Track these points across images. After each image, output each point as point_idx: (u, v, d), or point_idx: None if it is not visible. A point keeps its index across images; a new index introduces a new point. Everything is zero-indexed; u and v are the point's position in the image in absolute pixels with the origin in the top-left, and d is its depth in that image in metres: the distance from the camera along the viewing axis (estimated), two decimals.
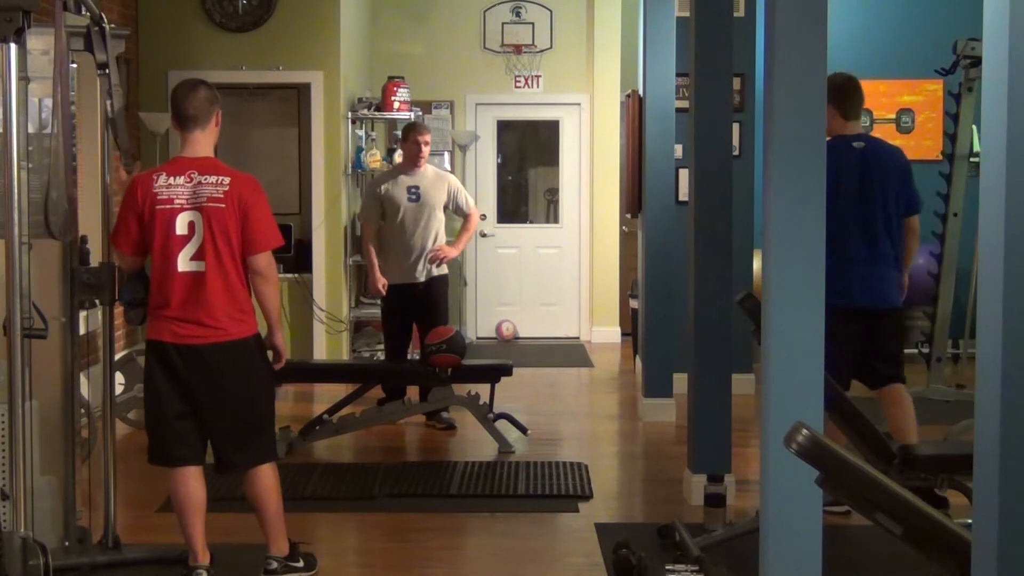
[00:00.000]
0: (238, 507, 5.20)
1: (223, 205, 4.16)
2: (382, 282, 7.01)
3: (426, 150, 7.03)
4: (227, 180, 4.20)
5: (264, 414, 4.40)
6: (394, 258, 7.02)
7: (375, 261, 7.05)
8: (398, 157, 9.36)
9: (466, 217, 7.17)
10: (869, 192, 5.13)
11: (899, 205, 5.20)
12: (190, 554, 4.33)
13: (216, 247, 4.15)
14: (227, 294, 4.19)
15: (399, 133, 9.54)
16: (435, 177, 7.10)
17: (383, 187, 7.05)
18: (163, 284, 4.19)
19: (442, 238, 7.07)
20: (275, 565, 4.40)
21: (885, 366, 5.21)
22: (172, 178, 4.19)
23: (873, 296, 5.16)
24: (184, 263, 4.15)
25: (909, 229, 5.28)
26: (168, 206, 4.16)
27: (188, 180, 4.18)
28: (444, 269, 7.14)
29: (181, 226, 4.15)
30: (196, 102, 4.24)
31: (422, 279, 6.99)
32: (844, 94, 5.17)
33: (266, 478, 4.36)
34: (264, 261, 4.24)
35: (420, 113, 9.71)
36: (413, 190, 6.99)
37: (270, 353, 4.40)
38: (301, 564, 4.49)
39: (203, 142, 4.28)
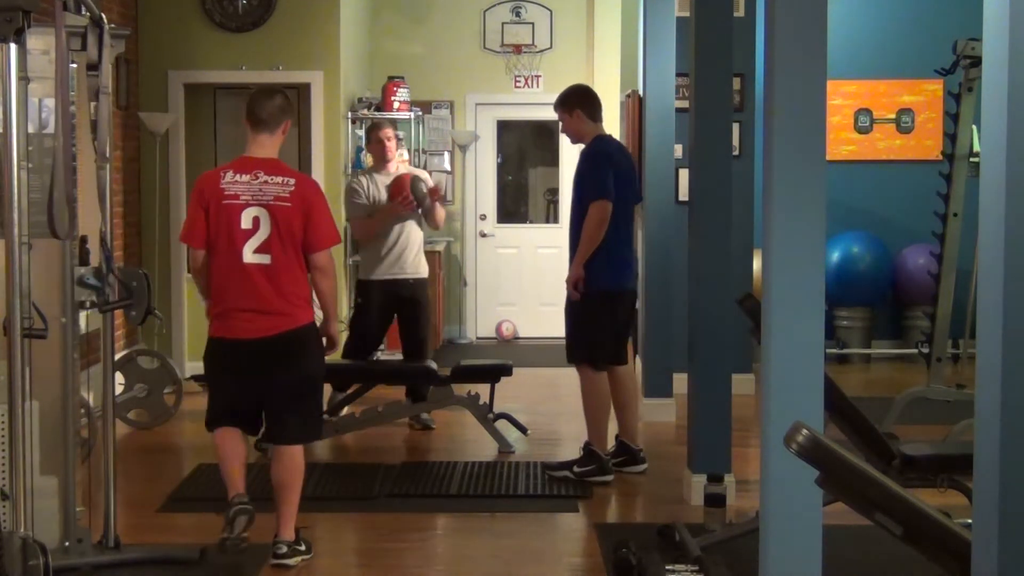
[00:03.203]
0: None
1: (289, 204, 4.48)
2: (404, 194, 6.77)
3: (391, 144, 6.91)
4: (292, 181, 4.53)
5: (319, 393, 4.79)
6: (383, 255, 6.87)
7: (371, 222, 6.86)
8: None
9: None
10: (628, 184, 5.82)
11: (631, 193, 5.92)
12: (230, 488, 4.57)
13: (282, 242, 4.47)
14: (291, 285, 4.50)
15: (399, 133, 9.53)
16: (407, 177, 6.85)
17: (363, 182, 6.87)
18: (227, 276, 4.49)
19: (419, 234, 7.01)
20: (284, 549, 4.58)
21: (627, 343, 6.03)
22: (238, 175, 4.52)
23: (635, 278, 6.05)
24: (249, 255, 4.47)
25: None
26: (234, 201, 4.48)
27: (254, 178, 4.51)
28: (425, 271, 7.05)
29: (246, 221, 4.47)
30: (271, 108, 4.59)
31: (411, 274, 6.90)
32: (591, 100, 5.91)
33: (298, 458, 4.62)
34: (325, 258, 4.59)
35: (419, 113, 9.71)
36: (390, 187, 6.82)
37: (324, 340, 4.74)
38: (303, 548, 4.67)
39: (269, 145, 4.60)
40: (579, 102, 5.87)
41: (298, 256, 4.52)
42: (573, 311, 5.86)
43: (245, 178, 4.50)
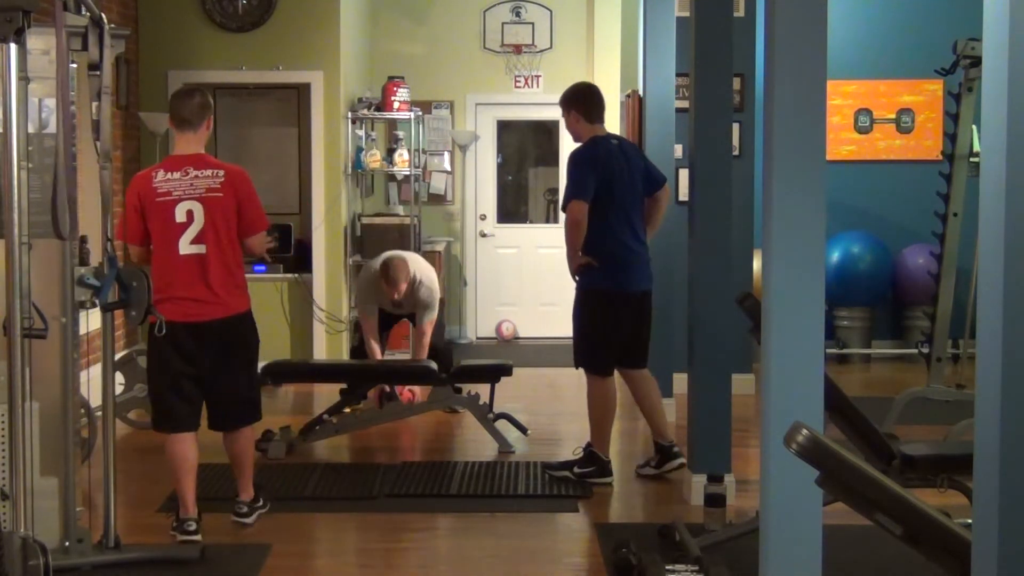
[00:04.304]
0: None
1: (221, 194, 4.77)
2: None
3: (395, 295, 6.90)
4: (221, 173, 4.81)
5: (256, 378, 5.10)
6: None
7: (377, 350, 7.12)
8: (399, 159, 9.38)
9: (420, 328, 7.10)
10: (632, 183, 5.72)
11: (646, 187, 5.81)
12: (181, 507, 4.84)
13: (216, 231, 4.74)
14: (226, 272, 4.78)
15: (399, 133, 9.56)
16: (414, 292, 6.98)
17: (370, 295, 7.06)
18: (166, 268, 4.74)
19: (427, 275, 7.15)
20: (245, 509, 5.04)
21: (645, 346, 5.87)
22: (169, 173, 4.78)
23: (647, 279, 5.81)
24: (185, 247, 4.73)
25: (662, 197, 5.92)
26: (167, 198, 4.73)
27: (184, 174, 4.77)
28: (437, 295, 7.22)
29: (180, 214, 4.73)
30: (191, 107, 4.86)
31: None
32: (587, 101, 5.82)
33: (247, 435, 5.03)
34: (258, 242, 4.92)
35: (419, 113, 9.67)
36: (396, 304, 7.05)
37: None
38: (261, 503, 5.13)
39: (195, 141, 4.88)
40: (575, 103, 5.82)
41: (232, 244, 4.81)
42: (576, 314, 5.86)
43: (176, 175, 4.78)
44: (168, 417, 4.83)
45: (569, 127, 5.89)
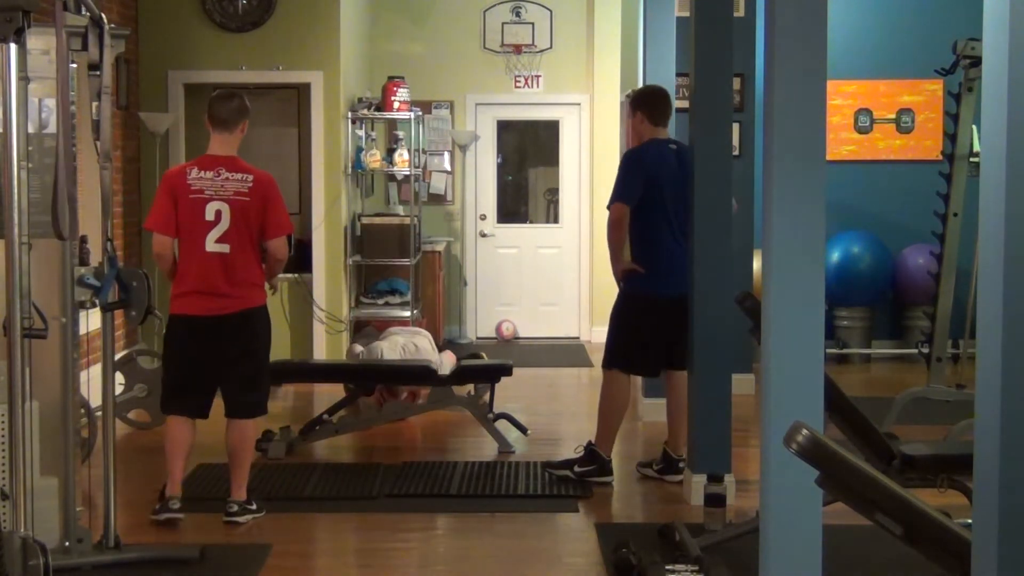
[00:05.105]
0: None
1: (248, 199, 4.97)
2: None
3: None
4: (251, 178, 5.02)
5: (267, 370, 5.26)
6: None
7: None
8: (399, 159, 9.38)
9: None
10: (685, 190, 5.60)
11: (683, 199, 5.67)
12: (168, 484, 5.02)
13: (239, 233, 4.95)
14: (246, 271, 5.00)
15: (399, 133, 9.56)
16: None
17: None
18: (191, 263, 4.97)
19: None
20: (236, 508, 5.06)
21: (685, 349, 5.64)
22: (203, 172, 4.99)
23: (686, 284, 5.60)
24: (211, 244, 4.94)
25: None
26: (199, 196, 4.95)
27: (216, 175, 4.98)
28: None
29: (209, 213, 4.94)
30: (229, 109, 5.06)
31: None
32: (653, 104, 5.82)
33: (249, 430, 5.16)
34: (279, 245, 5.09)
35: (419, 113, 9.67)
36: None
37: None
38: (255, 507, 5.13)
39: (229, 143, 5.08)
40: (641, 105, 5.83)
41: (253, 246, 5.03)
42: (613, 315, 5.88)
43: (209, 174, 4.99)
44: (170, 399, 5.08)
45: (633, 127, 5.89)
